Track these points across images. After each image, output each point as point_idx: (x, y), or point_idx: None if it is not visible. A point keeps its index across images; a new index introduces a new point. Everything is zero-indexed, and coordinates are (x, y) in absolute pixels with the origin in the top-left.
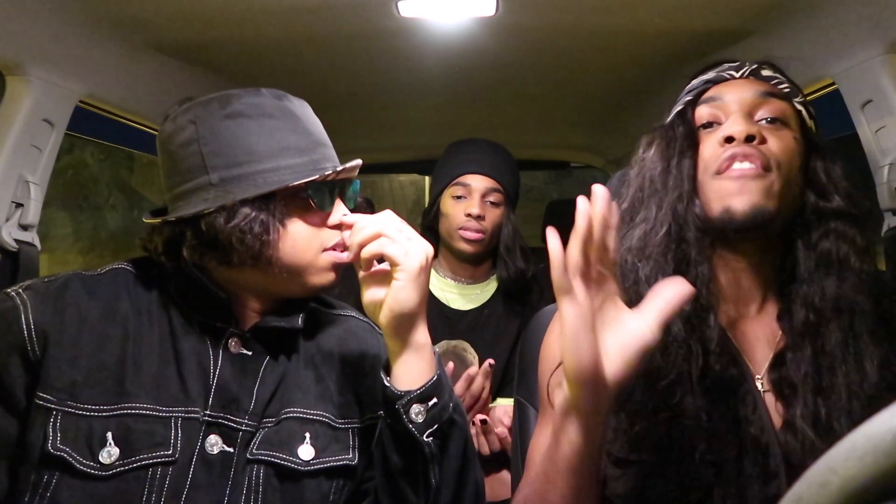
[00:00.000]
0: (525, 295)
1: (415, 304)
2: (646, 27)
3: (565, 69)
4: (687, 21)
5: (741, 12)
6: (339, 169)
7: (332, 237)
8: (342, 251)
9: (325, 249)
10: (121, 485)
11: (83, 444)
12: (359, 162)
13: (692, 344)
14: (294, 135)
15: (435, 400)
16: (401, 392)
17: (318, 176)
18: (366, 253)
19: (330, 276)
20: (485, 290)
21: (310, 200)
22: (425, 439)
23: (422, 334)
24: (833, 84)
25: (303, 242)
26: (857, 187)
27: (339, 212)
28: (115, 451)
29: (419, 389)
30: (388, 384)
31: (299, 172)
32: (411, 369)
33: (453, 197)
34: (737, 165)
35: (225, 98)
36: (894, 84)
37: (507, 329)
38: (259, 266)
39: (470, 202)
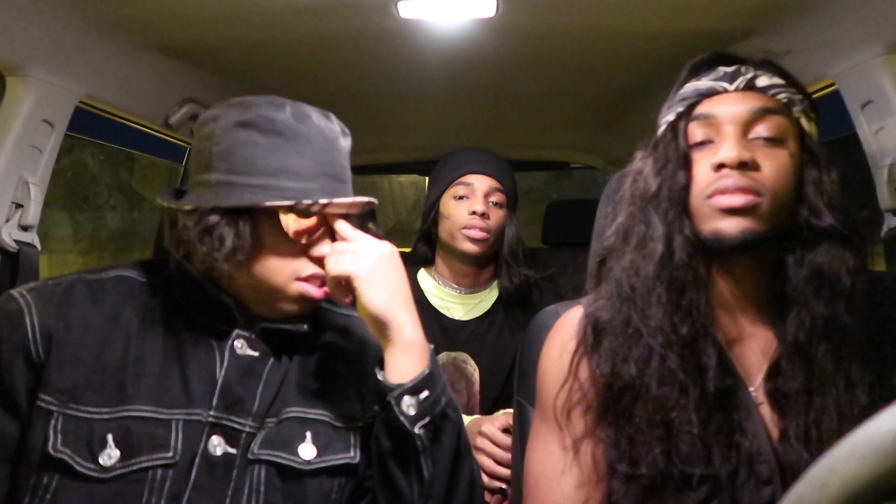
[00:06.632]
0: (526, 301)
1: (381, 303)
2: (646, 28)
3: (565, 70)
4: (687, 21)
5: (741, 12)
6: (322, 202)
7: (308, 268)
8: (319, 285)
9: (298, 279)
10: (120, 487)
11: (83, 446)
12: (349, 200)
13: (689, 374)
14: (299, 159)
15: (427, 393)
16: (392, 385)
17: (289, 202)
18: (328, 282)
19: (295, 308)
20: (485, 300)
21: (283, 226)
22: (417, 431)
23: (409, 330)
24: (833, 84)
25: (273, 265)
26: (855, 193)
27: (323, 246)
28: (116, 453)
29: (410, 382)
30: (380, 378)
31: (285, 196)
32: (402, 364)
33: (455, 197)
34: (727, 198)
35: (247, 105)
36: (894, 84)
37: (509, 341)
38: (223, 276)
39: (473, 201)
